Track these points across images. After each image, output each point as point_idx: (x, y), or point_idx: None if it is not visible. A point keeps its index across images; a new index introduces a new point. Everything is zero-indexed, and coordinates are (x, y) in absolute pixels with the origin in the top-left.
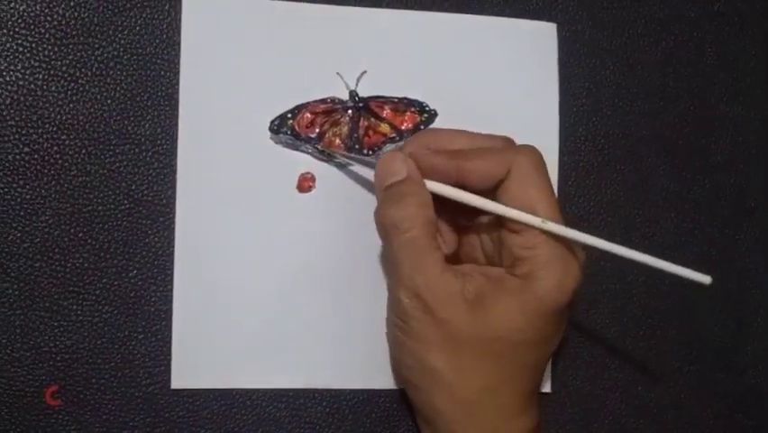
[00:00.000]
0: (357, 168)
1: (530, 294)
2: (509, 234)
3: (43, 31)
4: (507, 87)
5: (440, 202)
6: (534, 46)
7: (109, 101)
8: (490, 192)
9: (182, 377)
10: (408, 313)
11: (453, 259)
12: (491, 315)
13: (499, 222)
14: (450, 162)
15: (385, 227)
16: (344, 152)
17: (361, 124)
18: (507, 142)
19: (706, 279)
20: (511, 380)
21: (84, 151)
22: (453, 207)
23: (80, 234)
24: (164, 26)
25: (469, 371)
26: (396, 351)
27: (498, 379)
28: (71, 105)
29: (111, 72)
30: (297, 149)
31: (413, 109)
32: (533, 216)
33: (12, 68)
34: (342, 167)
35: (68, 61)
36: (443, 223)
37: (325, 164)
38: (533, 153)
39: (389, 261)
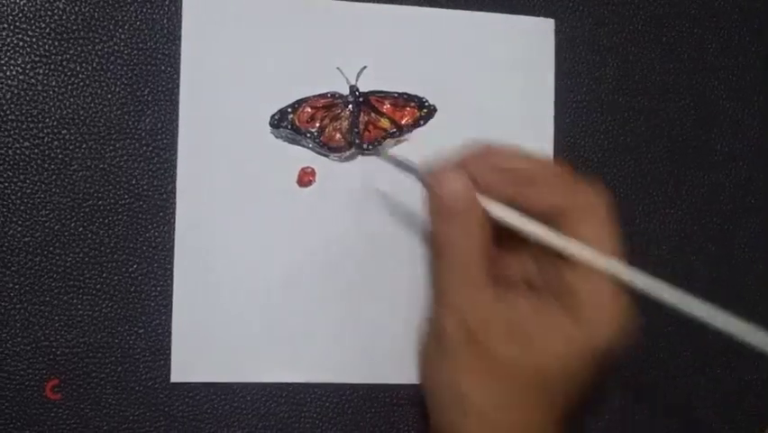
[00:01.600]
0: (388, 164)
1: (577, 330)
2: (563, 262)
3: (44, 25)
4: (504, 82)
5: None
6: (532, 42)
7: (109, 95)
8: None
9: (182, 371)
10: (450, 336)
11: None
12: (535, 347)
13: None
14: (512, 187)
15: (438, 245)
16: (392, 155)
17: (361, 118)
18: (566, 170)
19: None
20: (543, 416)
21: (84, 145)
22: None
23: (80, 229)
24: (164, 20)
25: (503, 402)
26: (425, 363)
27: (529, 413)
28: (72, 100)
29: (111, 67)
30: (297, 143)
31: (412, 104)
32: (604, 258)
33: (12, 62)
34: (342, 161)
35: (68, 56)
36: None
37: (326, 159)
38: (605, 195)
39: (437, 278)
